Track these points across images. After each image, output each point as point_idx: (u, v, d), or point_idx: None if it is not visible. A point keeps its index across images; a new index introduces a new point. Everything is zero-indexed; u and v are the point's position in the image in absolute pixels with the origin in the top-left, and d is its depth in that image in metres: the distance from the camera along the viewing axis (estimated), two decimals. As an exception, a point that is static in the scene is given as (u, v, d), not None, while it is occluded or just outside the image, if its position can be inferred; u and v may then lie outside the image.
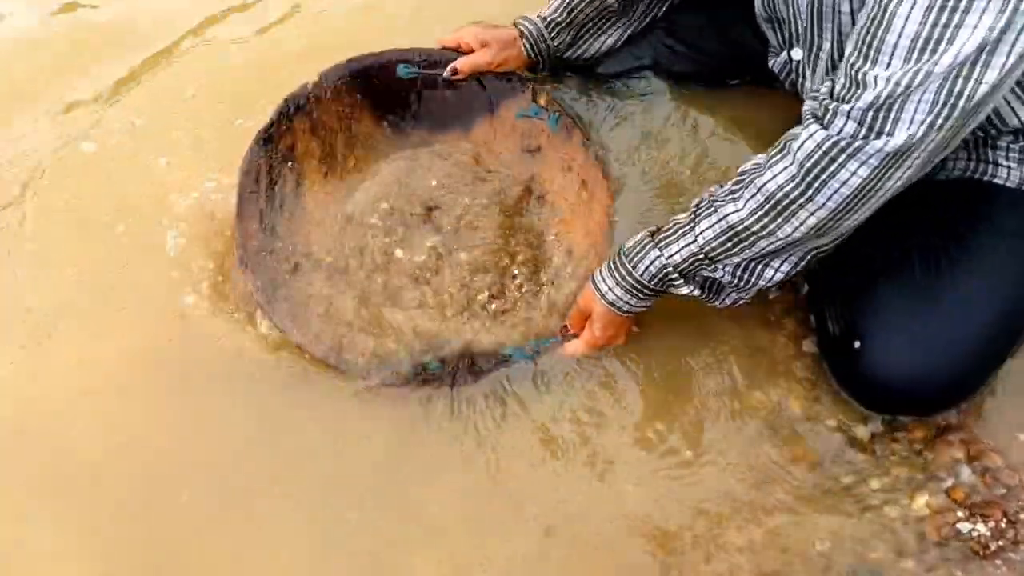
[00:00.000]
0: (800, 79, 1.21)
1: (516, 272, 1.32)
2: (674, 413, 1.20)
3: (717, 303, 1.16)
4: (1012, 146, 1.11)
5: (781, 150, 1.01)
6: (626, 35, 1.41)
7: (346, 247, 1.32)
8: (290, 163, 1.33)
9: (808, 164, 0.97)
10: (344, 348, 1.22)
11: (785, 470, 1.15)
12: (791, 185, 0.99)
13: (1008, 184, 1.12)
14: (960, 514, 1.10)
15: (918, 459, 1.15)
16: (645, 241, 1.12)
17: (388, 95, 1.39)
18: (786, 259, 1.09)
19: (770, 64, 1.28)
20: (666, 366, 1.24)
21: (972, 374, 1.12)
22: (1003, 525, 1.09)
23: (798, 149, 0.98)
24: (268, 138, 1.30)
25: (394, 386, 1.20)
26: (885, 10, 0.91)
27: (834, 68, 1.11)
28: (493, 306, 1.29)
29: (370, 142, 1.40)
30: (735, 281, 1.12)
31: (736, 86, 1.46)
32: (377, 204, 1.35)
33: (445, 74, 1.36)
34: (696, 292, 1.13)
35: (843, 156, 0.95)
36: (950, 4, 0.86)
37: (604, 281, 1.15)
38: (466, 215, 1.35)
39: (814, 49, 1.13)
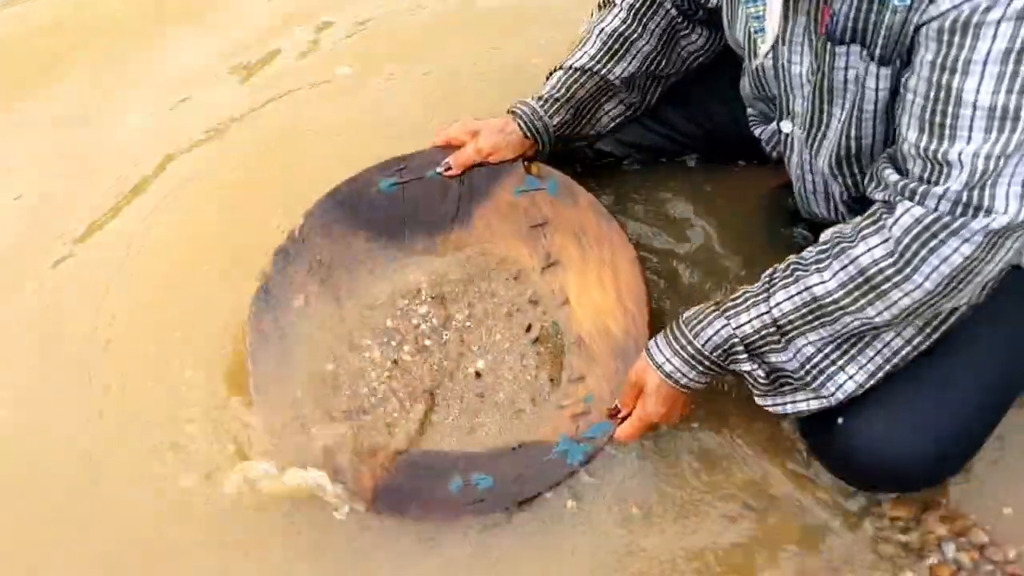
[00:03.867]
0: (788, 151, 1.19)
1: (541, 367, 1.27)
2: (641, 486, 1.20)
3: (770, 403, 1.10)
4: None
5: (875, 221, 0.96)
6: (627, 112, 1.37)
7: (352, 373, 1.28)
8: (296, 314, 1.30)
9: (907, 239, 0.92)
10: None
11: (767, 552, 1.13)
12: (888, 261, 0.94)
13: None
14: (946, 591, 1.09)
15: (902, 536, 1.13)
16: (709, 310, 1.07)
17: (377, 212, 1.35)
18: (862, 365, 1.04)
19: (756, 132, 1.26)
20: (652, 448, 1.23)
21: (956, 450, 1.10)
22: (990, 602, 1.08)
23: (894, 224, 0.93)
24: (268, 293, 1.29)
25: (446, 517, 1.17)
26: (948, 88, 0.88)
27: (847, 146, 1.08)
28: (525, 407, 1.25)
29: (370, 257, 1.35)
30: (801, 374, 1.05)
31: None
32: (382, 320, 1.32)
33: (438, 170, 1.33)
34: (760, 373, 1.06)
35: (945, 232, 0.91)
36: (1022, 69, 0.84)
37: (661, 351, 1.09)
38: (480, 316, 1.32)
39: (819, 127, 1.10)
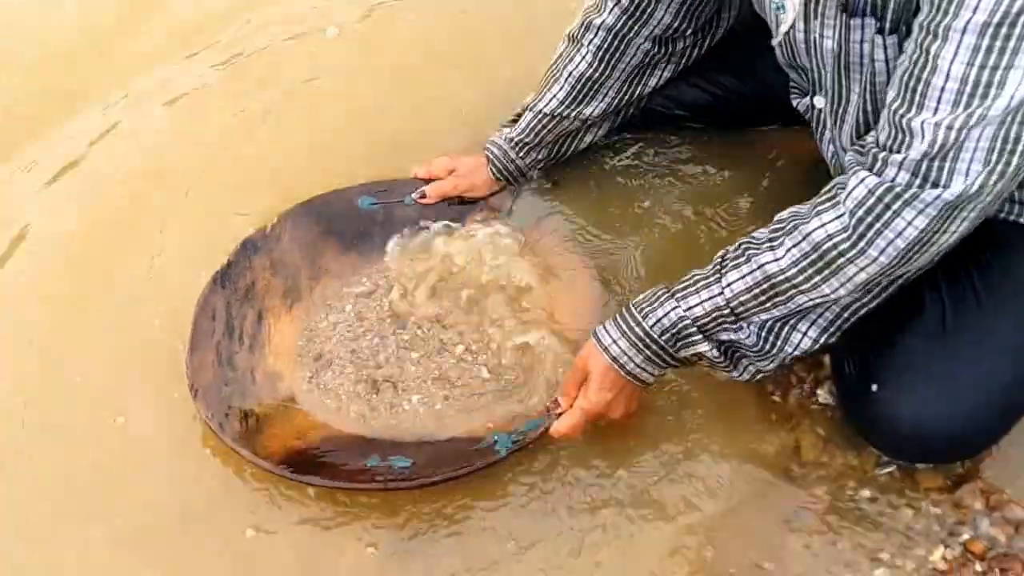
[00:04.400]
0: (820, 127, 1.17)
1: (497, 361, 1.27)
2: (682, 461, 1.16)
3: (735, 374, 1.09)
4: None
5: (830, 198, 0.95)
6: (605, 132, 1.40)
7: (310, 374, 1.28)
8: (250, 300, 1.31)
9: (860, 212, 0.91)
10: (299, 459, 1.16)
11: (798, 521, 1.10)
12: (842, 236, 0.92)
13: None
14: (979, 567, 1.06)
15: (935, 510, 1.10)
16: (659, 293, 1.05)
17: (351, 227, 1.40)
18: (815, 321, 1.02)
19: (794, 104, 1.23)
20: (673, 412, 1.20)
21: (994, 421, 1.07)
22: (1023, 579, 1.05)
23: (847, 197, 0.92)
24: (225, 277, 1.29)
25: (355, 489, 1.14)
26: (927, 52, 0.86)
27: (865, 122, 1.06)
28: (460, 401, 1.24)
29: (336, 269, 1.38)
30: (760, 345, 1.04)
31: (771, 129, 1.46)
32: (341, 332, 1.32)
33: (414, 196, 1.38)
34: (715, 353, 1.05)
35: (898, 203, 0.89)
36: (998, 44, 0.82)
37: (608, 333, 1.07)
38: (432, 314, 1.32)
39: (841, 102, 1.08)
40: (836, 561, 1.07)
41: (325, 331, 1.32)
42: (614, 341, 1.06)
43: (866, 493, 1.12)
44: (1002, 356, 1.04)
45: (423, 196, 1.40)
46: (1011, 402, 1.07)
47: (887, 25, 0.95)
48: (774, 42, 1.10)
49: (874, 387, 1.07)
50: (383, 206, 1.40)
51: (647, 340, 1.04)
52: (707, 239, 1.38)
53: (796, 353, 1.04)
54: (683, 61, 1.35)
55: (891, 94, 0.92)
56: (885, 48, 0.97)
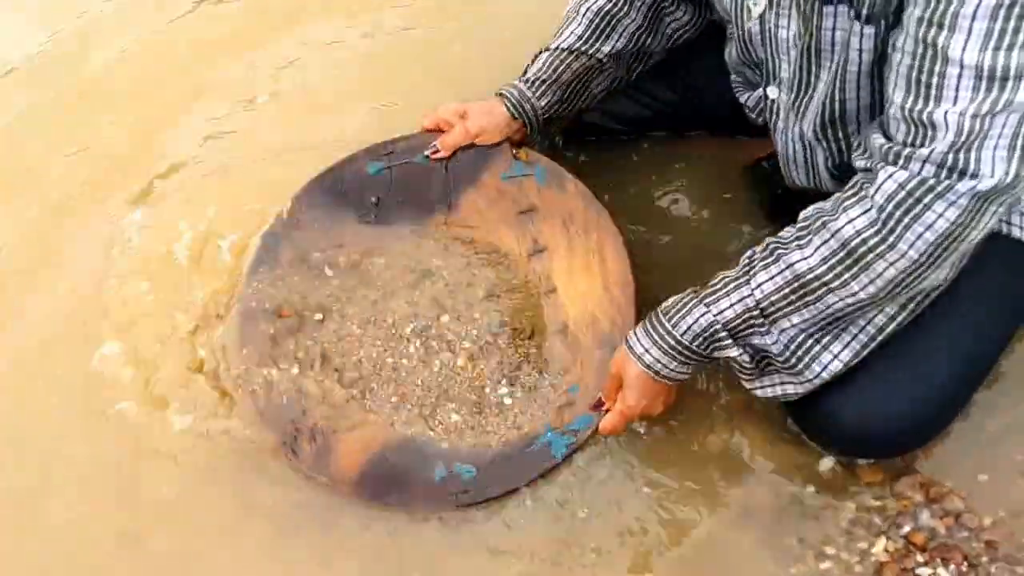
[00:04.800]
0: (773, 118, 1.17)
1: (529, 354, 1.27)
2: (629, 460, 1.19)
3: (757, 385, 1.09)
4: None
5: (855, 193, 0.93)
6: (608, 85, 1.35)
7: (344, 355, 1.28)
8: (285, 293, 1.30)
9: (890, 207, 0.89)
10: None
11: (742, 518, 1.13)
12: (871, 231, 0.91)
13: None
14: (920, 558, 1.08)
15: (876, 503, 1.13)
16: (688, 299, 1.05)
17: (365, 195, 1.34)
18: (847, 344, 1.02)
19: (741, 98, 1.24)
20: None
21: (934, 416, 1.10)
22: (964, 569, 1.07)
23: (876, 191, 0.90)
24: (257, 273, 1.30)
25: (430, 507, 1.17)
26: (935, 45, 0.85)
27: (831, 110, 1.06)
28: (509, 399, 1.24)
29: (358, 240, 1.35)
30: (786, 355, 1.03)
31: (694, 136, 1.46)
32: (371, 305, 1.31)
33: (426, 153, 1.32)
34: (745, 359, 1.05)
35: (930, 196, 0.87)
36: (1011, 25, 0.81)
37: (639, 342, 1.07)
38: (463, 305, 1.31)
39: (805, 91, 1.08)
40: (782, 556, 1.10)
41: (360, 336, 1.30)
42: (646, 350, 1.07)
43: (810, 489, 1.14)
44: (940, 356, 1.07)
45: (436, 151, 1.33)
46: (948, 400, 1.10)
47: (864, 12, 0.95)
48: (737, 33, 1.11)
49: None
50: (392, 168, 1.34)
51: (679, 347, 1.05)
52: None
53: (825, 376, 1.03)
54: (682, 30, 1.34)
55: (898, 95, 0.91)
56: (862, 37, 0.97)
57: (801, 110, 1.11)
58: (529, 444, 1.18)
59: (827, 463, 1.16)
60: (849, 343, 1.02)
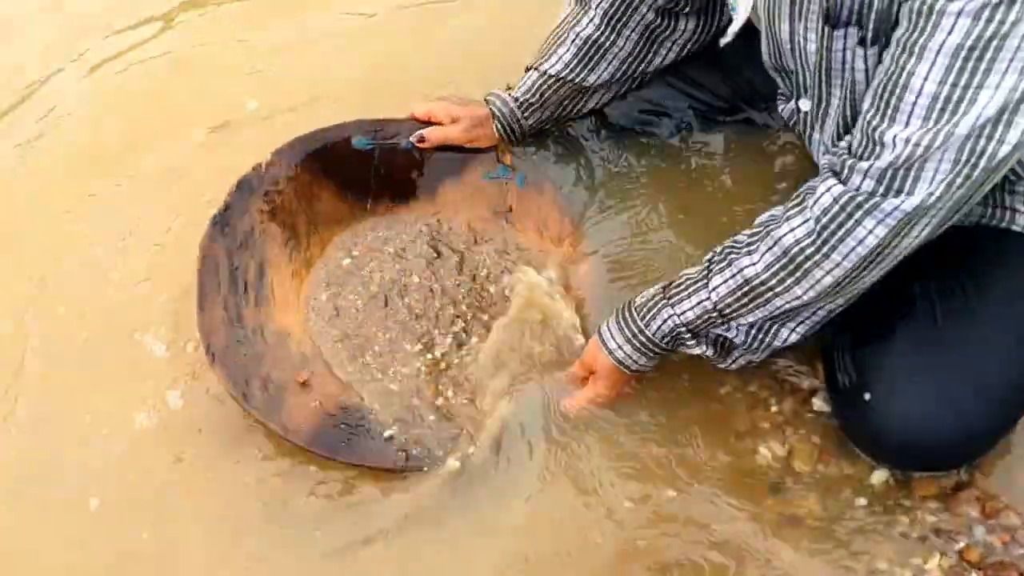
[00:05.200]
0: (807, 130, 1.17)
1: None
2: (675, 468, 1.16)
3: (725, 364, 1.14)
4: None
5: (799, 204, 0.99)
6: (608, 100, 1.38)
7: (316, 331, 1.27)
8: (250, 248, 1.26)
9: (824, 219, 0.95)
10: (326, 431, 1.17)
11: (792, 530, 1.10)
12: (808, 240, 0.96)
13: None
14: (975, 575, 1.06)
15: (931, 518, 1.10)
16: (657, 297, 1.10)
17: (347, 168, 1.35)
18: (802, 320, 1.07)
19: (780, 110, 1.25)
20: (664, 420, 1.19)
21: (987, 428, 1.08)
22: (1019, 586, 1.05)
23: (814, 203, 0.96)
24: (224, 223, 1.24)
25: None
26: (903, 69, 0.88)
27: (845, 125, 1.08)
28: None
29: (333, 218, 1.35)
30: (748, 341, 1.10)
31: (749, 124, 1.44)
32: (344, 284, 1.32)
33: (411, 139, 1.34)
34: (708, 351, 1.11)
35: (860, 212, 0.92)
36: (970, 65, 0.84)
37: (613, 338, 1.13)
38: (436, 288, 1.32)
39: (822, 104, 1.10)
40: (833, 570, 1.07)
41: (327, 285, 1.31)
42: (619, 346, 1.12)
43: (862, 501, 1.12)
44: (992, 364, 1.05)
45: (421, 140, 1.35)
46: (1003, 409, 1.08)
47: (868, 35, 0.96)
48: (723, 41, 1.10)
49: (867, 396, 1.07)
50: (378, 147, 1.35)
51: (650, 345, 1.11)
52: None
53: (783, 346, 1.10)
54: (687, 45, 1.33)
55: (866, 104, 0.94)
56: (866, 58, 0.99)
57: (823, 121, 1.12)
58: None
59: (880, 475, 1.13)
60: (805, 321, 1.07)
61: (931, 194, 0.90)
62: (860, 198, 0.92)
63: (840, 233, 0.94)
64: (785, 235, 0.98)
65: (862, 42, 0.98)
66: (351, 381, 1.23)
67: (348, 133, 1.34)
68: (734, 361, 1.13)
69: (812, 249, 0.96)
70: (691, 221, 1.37)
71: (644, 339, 1.10)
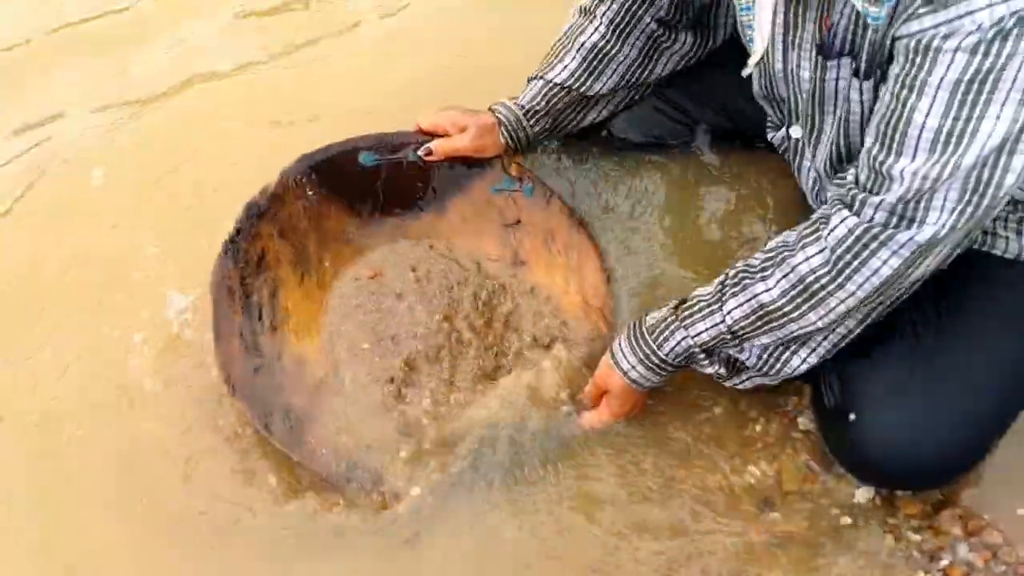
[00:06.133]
0: (797, 158, 1.20)
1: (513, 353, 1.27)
2: (663, 486, 1.17)
3: (737, 383, 1.15)
4: (1011, 216, 1.09)
5: (814, 232, 1.01)
6: (609, 112, 1.39)
7: (333, 356, 1.26)
8: (263, 272, 1.26)
9: (840, 250, 0.97)
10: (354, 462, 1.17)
11: (779, 548, 1.12)
12: (823, 270, 0.98)
13: (1006, 255, 1.10)
14: (958, 592, 1.08)
15: (915, 536, 1.12)
16: (669, 319, 1.11)
17: (354, 186, 1.33)
18: (814, 349, 1.09)
19: (769, 137, 1.26)
20: (652, 438, 1.21)
21: (969, 448, 1.10)
22: (1001, 604, 1.07)
23: (829, 234, 0.98)
24: (235, 248, 1.23)
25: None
26: (904, 104, 0.91)
27: (838, 153, 1.10)
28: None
29: (343, 237, 1.34)
30: (759, 365, 1.11)
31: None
32: (356, 307, 1.30)
33: (419, 152, 1.33)
34: (721, 370, 1.13)
35: (875, 243, 0.95)
36: (970, 98, 0.86)
37: (626, 358, 1.14)
38: (447, 309, 1.30)
39: (815, 132, 1.13)
40: (818, 588, 1.09)
41: (339, 307, 1.29)
42: (632, 367, 1.13)
43: (847, 520, 1.13)
44: (974, 387, 1.07)
45: (429, 153, 1.34)
46: (986, 428, 1.10)
47: (862, 66, 0.99)
48: (745, 72, 1.12)
49: (852, 416, 1.09)
50: (385, 163, 1.33)
51: (663, 364, 1.12)
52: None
53: (793, 374, 1.11)
54: (684, 59, 1.36)
55: (869, 139, 0.96)
56: (861, 90, 1.01)
57: (814, 147, 1.14)
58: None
59: (865, 493, 1.15)
60: (815, 349, 1.09)
61: (944, 225, 0.92)
62: (875, 230, 0.94)
63: (855, 264, 0.96)
64: (800, 264, 1.00)
65: (856, 73, 1.00)
66: (366, 409, 1.22)
67: (354, 148, 1.33)
68: (743, 382, 1.15)
69: (828, 279, 0.98)
70: (697, 240, 1.40)
71: (657, 360, 1.12)
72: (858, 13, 0.95)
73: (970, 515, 1.13)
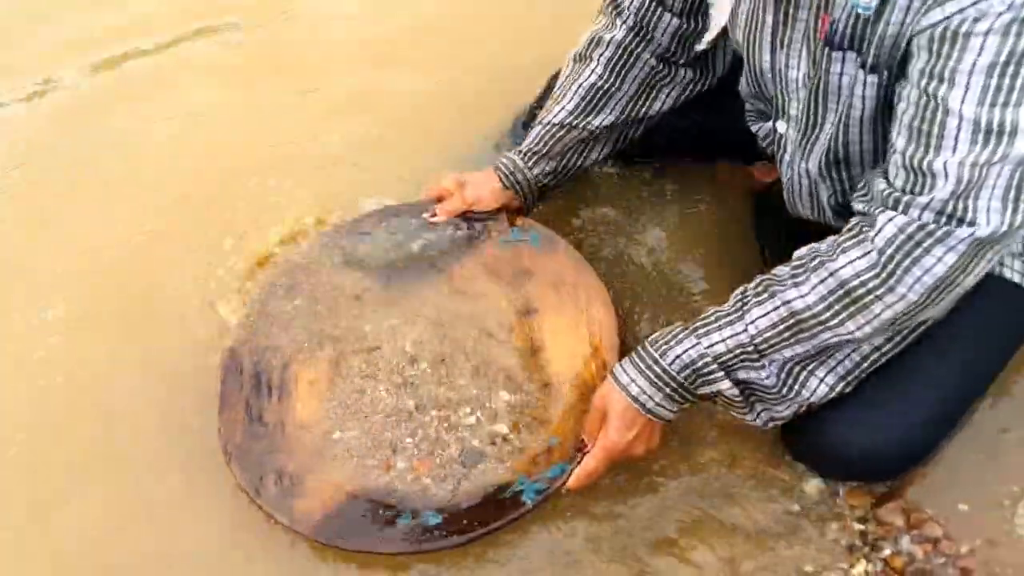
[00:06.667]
0: (780, 151, 1.20)
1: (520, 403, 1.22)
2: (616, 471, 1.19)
3: (750, 418, 1.10)
4: None
5: (854, 235, 0.96)
6: (611, 149, 1.39)
7: (341, 417, 1.23)
8: (276, 350, 1.28)
9: (890, 250, 0.92)
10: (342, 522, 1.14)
11: (723, 531, 1.16)
12: (871, 273, 0.93)
13: None
14: (898, 583, 1.12)
15: (859, 526, 1.16)
16: (677, 330, 1.06)
17: (366, 255, 1.37)
18: (833, 368, 1.06)
19: (753, 128, 1.26)
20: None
21: (916, 446, 1.14)
22: (939, 595, 1.11)
23: (876, 235, 0.93)
24: (250, 326, 1.29)
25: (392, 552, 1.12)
26: (935, 97, 0.89)
27: (835, 152, 1.09)
28: (488, 448, 1.18)
29: (355, 304, 1.33)
30: (778, 386, 1.06)
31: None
32: (365, 369, 1.28)
33: (424, 216, 1.38)
34: (735, 392, 1.06)
35: (930, 240, 0.91)
36: (1006, 82, 0.85)
37: (626, 372, 1.07)
38: (449, 362, 1.27)
39: (812, 130, 1.10)
40: (762, 572, 1.13)
41: (348, 377, 1.27)
42: (632, 380, 1.07)
43: (795, 507, 1.18)
44: (928, 392, 1.11)
45: (433, 215, 1.38)
46: (932, 433, 1.15)
47: (868, 61, 0.98)
48: (699, 47, 1.13)
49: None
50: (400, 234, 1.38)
51: (666, 378, 1.05)
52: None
53: (813, 400, 1.07)
54: (684, 92, 1.36)
55: (901, 141, 0.94)
56: (865, 85, 1.00)
57: (808, 148, 1.13)
58: (501, 492, 1.13)
59: (814, 483, 1.19)
60: (835, 368, 1.06)
61: (1002, 222, 0.89)
62: (931, 226, 0.90)
63: (907, 263, 0.92)
64: (842, 268, 0.95)
65: (863, 67, 0.99)
66: (364, 476, 1.18)
67: (364, 226, 1.40)
68: (758, 415, 1.10)
69: (876, 282, 0.93)
70: (708, 269, 1.45)
71: (659, 370, 1.05)
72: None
73: (913, 508, 1.16)
